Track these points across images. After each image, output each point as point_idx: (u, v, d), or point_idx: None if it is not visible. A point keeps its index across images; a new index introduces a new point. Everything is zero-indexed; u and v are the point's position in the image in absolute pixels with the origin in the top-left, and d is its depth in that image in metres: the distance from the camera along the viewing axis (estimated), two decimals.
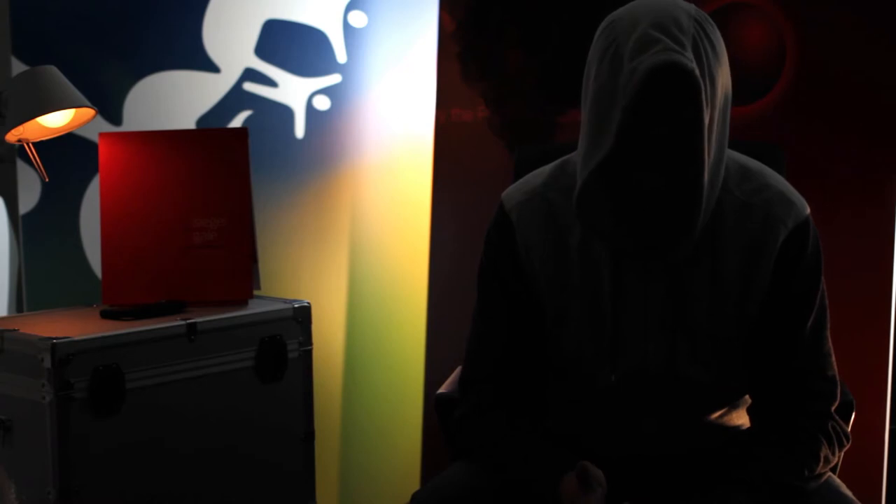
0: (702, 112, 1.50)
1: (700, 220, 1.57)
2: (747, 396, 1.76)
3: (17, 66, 2.64)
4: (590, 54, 1.60)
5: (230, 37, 2.87)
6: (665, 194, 1.54)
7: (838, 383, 1.72)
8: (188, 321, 2.25)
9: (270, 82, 2.91)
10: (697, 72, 1.49)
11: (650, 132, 1.50)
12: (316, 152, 2.97)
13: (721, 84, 1.57)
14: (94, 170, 2.56)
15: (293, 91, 2.94)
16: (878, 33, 2.52)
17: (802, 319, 1.68)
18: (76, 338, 2.11)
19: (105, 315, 2.33)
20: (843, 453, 1.76)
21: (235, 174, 2.43)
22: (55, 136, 2.32)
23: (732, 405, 1.76)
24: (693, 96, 1.49)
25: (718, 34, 1.59)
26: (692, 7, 1.58)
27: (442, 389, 2.01)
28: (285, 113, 2.94)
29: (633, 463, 1.77)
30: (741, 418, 1.78)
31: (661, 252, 1.63)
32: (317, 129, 2.96)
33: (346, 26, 2.98)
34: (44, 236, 2.73)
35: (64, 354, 2.08)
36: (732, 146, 1.69)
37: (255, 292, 2.46)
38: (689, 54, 1.50)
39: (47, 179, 2.35)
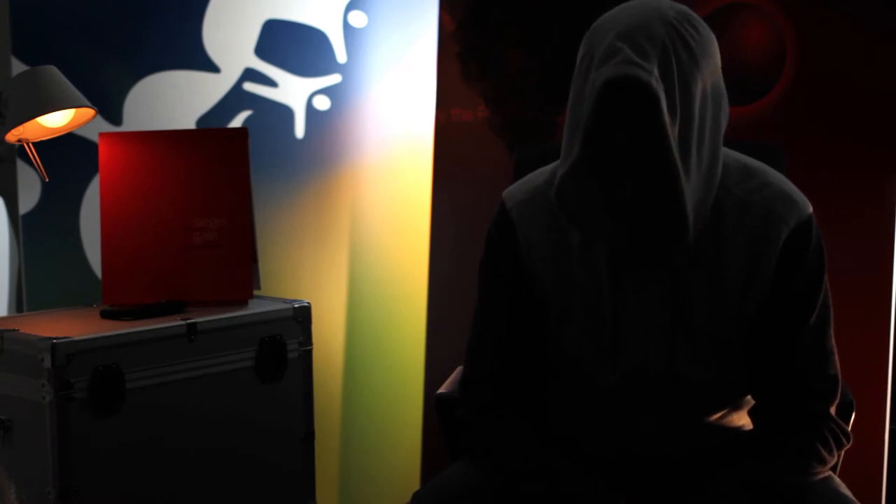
0: (662, 121, 1.50)
1: (689, 226, 1.56)
2: (749, 397, 1.76)
3: (17, 66, 2.64)
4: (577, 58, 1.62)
5: (230, 37, 2.87)
6: (645, 200, 1.55)
7: (839, 383, 1.72)
8: (188, 321, 2.25)
9: (270, 82, 2.91)
10: (655, 83, 1.49)
11: (612, 140, 1.51)
12: (316, 152, 2.97)
13: (700, 88, 1.56)
14: (94, 170, 2.56)
15: (293, 91, 2.94)
16: (878, 33, 2.52)
17: (803, 319, 1.68)
18: (76, 338, 2.11)
19: (105, 315, 2.33)
20: (843, 453, 1.76)
21: (235, 174, 2.44)
22: (55, 136, 2.32)
23: (733, 406, 1.76)
24: (650, 108, 1.49)
25: (703, 35, 1.58)
26: (675, 10, 1.57)
27: (442, 389, 2.01)
28: (285, 113, 2.94)
29: (633, 463, 1.77)
30: (742, 419, 1.78)
31: (656, 254, 1.63)
32: (317, 129, 2.96)
33: (346, 26, 2.98)
34: (44, 236, 2.73)
35: (64, 354, 2.08)
36: (732, 146, 1.69)
37: (255, 292, 2.46)
38: (650, 65, 1.50)
39: (47, 179, 2.35)
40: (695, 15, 1.60)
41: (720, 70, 1.62)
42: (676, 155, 1.52)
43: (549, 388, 1.79)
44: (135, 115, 2.78)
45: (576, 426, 1.79)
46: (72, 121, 2.31)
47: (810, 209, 1.69)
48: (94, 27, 2.74)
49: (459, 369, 1.90)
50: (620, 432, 1.76)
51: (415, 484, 2.92)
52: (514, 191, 1.77)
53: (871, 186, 2.53)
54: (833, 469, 1.76)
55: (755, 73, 2.58)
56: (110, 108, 2.76)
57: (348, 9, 2.98)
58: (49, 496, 2.09)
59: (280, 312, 2.40)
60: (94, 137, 2.53)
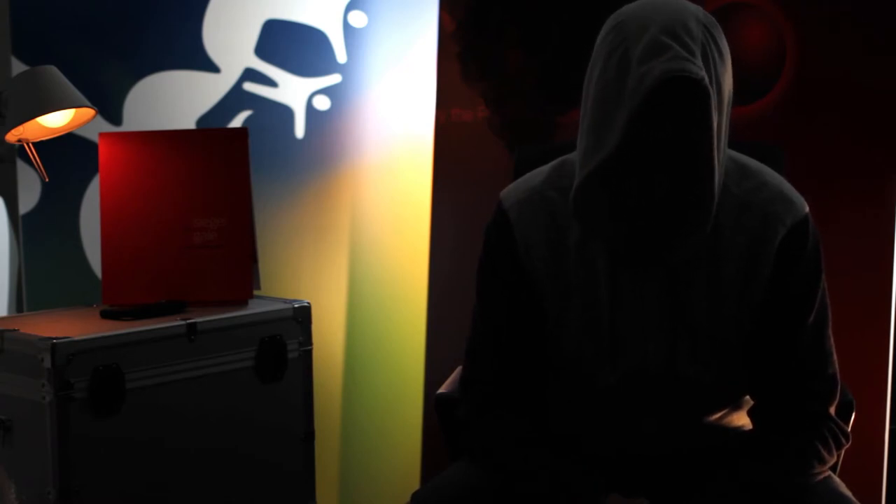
0: (711, 119, 1.51)
1: (710, 223, 1.57)
2: (749, 397, 1.76)
3: (17, 66, 2.64)
4: (594, 52, 1.60)
5: (230, 37, 2.87)
6: (670, 198, 1.54)
7: (838, 382, 1.72)
8: (188, 321, 2.25)
9: (270, 82, 2.91)
10: (707, 80, 1.49)
11: (654, 135, 1.50)
12: (316, 152, 2.97)
13: (726, 88, 1.58)
14: (94, 170, 2.56)
15: (293, 91, 2.94)
16: (877, 33, 2.51)
17: (802, 319, 1.68)
18: (76, 338, 2.11)
19: (105, 315, 2.33)
20: (842, 453, 1.76)
21: (235, 174, 2.44)
22: (55, 136, 2.32)
23: (733, 406, 1.76)
24: (702, 104, 1.49)
25: (724, 38, 1.60)
26: (700, 11, 1.58)
27: (442, 389, 2.01)
28: (285, 113, 2.94)
29: (633, 463, 1.77)
30: (742, 419, 1.78)
31: (658, 255, 1.63)
32: (317, 129, 2.96)
33: (346, 26, 2.98)
34: (44, 236, 2.73)
35: (64, 354, 2.08)
36: (732, 146, 1.69)
37: (255, 292, 2.46)
38: (699, 62, 1.50)
39: (47, 179, 2.35)
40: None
41: (731, 71, 1.63)
42: (716, 154, 1.53)
43: (549, 388, 1.79)
44: (135, 115, 2.78)
45: (576, 426, 1.79)
46: (72, 121, 2.31)
47: (807, 209, 1.69)
48: (94, 27, 2.74)
49: (459, 369, 1.90)
50: (620, 432, 1.76)
51: (415, 484, 2.92)
52: (512, 191, 1.77)
53: (871, 186, 2.53)
54: (833, 469, 1.76)
55: (755, 73, 2.58)
56: (110, 108, 2.76)
57: (348, 9, 2.98)
58: (49, 496, 2.09)
59: (280, 312, 2.40)
60: (94, 137, 2.53)
